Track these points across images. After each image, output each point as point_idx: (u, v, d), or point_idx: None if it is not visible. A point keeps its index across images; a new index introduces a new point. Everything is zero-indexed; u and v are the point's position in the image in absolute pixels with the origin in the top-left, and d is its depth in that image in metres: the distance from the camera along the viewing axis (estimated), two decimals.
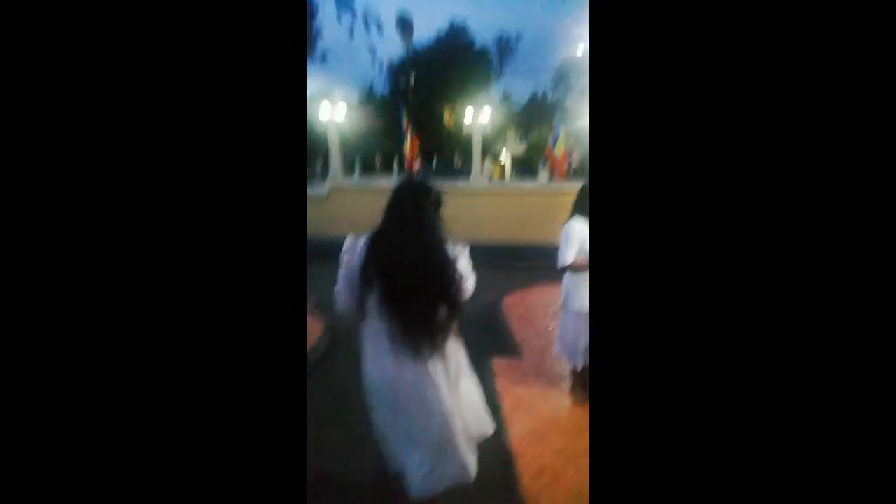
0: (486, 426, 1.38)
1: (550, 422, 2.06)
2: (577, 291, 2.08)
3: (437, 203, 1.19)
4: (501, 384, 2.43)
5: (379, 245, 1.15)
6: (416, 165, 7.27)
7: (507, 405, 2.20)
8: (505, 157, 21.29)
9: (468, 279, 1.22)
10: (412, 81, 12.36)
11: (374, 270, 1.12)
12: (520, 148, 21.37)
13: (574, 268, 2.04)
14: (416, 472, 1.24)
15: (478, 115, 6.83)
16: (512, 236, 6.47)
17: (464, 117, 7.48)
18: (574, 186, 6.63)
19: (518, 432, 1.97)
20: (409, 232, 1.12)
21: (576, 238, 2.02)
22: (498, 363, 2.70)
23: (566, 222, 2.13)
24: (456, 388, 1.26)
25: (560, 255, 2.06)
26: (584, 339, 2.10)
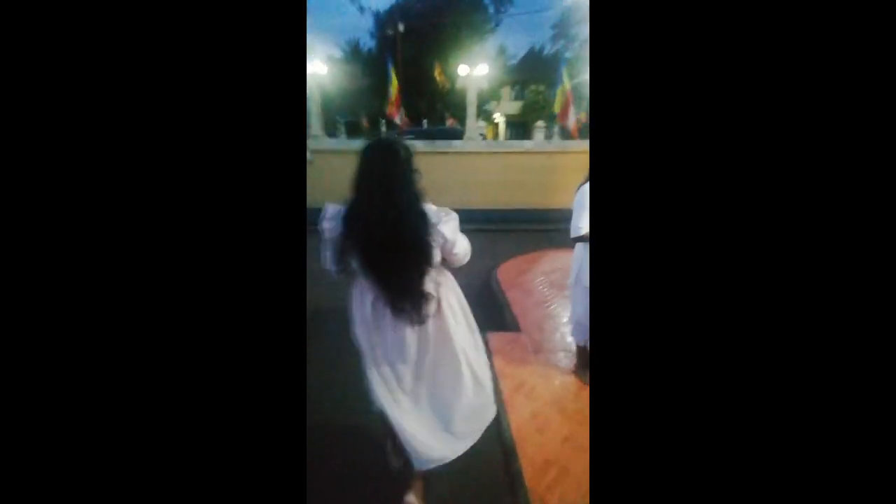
0: (488, 412, 1.35)
1: (555, 405, 1.91)
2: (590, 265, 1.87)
3: (408, 163, 1.09)
4: (499, 363, 2.26)
5: (353, 213, 1.09)
6: (403, 123, 6.82)
7: (506, 387, 2.05)
8: (499, 117, 20.52)
9: (457, 244, 1.16)
10: (400, 33, 11.48)
11: (351, 241, 1.09)
12: (515, 107, 20.55)
13: (587, 238, 1.82)
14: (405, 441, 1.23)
15: (473, 70, 6.35)
16: (509, 200, 6.20)
17: (456, 73, 6.96)
18: (576, 146, 6.31)
19: (520, 418, 1.81)
20: (381, 196, 1.05)
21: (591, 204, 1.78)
22: (494, 338, 2.53)
23: (580, 186, 1.87)
24: (448, 357, 1.24)
25: (574, 222, 1.82)
26: None
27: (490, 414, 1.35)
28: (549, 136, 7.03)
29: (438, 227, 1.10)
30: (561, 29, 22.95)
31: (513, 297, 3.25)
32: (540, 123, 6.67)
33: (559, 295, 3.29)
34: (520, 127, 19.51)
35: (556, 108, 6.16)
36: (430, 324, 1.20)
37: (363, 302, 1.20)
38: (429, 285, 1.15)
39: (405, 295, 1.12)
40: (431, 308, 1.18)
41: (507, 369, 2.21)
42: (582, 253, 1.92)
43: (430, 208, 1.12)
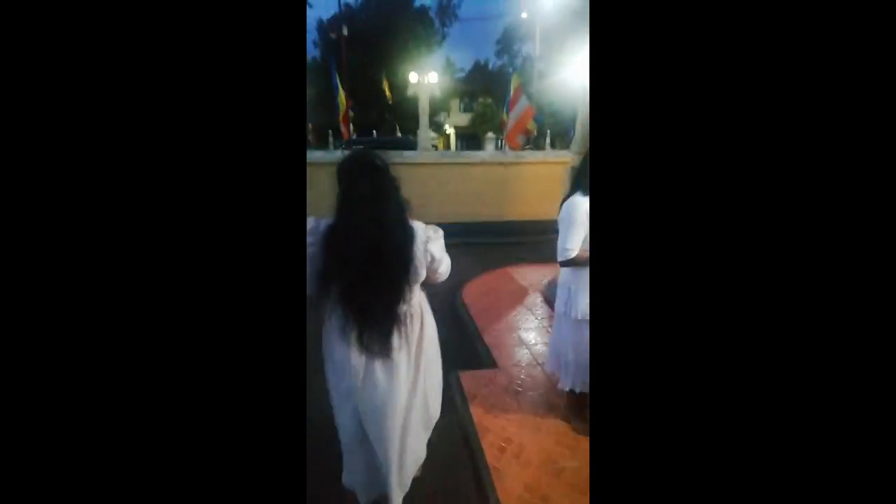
0: (435, 411, 1.32)
1: (549, 468, 1.58)
2: (582, 292, 1.56)
3: (389, 174, 1.05)
4: (478, 413, 1.90)
5: (335, 228, 1.02)
6: (351, 134, 6.40)
7: (490, 447, 1.68)
8: (449, 129, 20.56)
9: (443, 263, 1.13)
10: (345, 38, 10.94)
11: (333, 258, 1.01)
12: (464, 118, 20.69)
13: (578, 261, 1.52)
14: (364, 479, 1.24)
15: (423, 78, 6.08)
16: (467, 212, 5.93)
17: (406, 84, 6.65)
18: (533, 157, 6.22)
19: (512, 495, 1.46)
20: (366, 211, 1.00)
21: (580, 221, 1.48)
22: (467, 379, 2.17)
23: (566, 199, 1.58)
24: (415, 388, 1.19)
25: (560, 242, 1.52)
26: (587, 355, 1.60)
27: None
28: (499, 147, 6.90)
29: (427, 246, 1.06)
30: (504, 45, 23.62)
31: (482, 323, 2.92)
32: (490, 135, 6.53)
33: (532, 319, 3.01)
34: (470, 138, 19.66)
35: (505, 120, 6.08)
36: (415, 349, 1.15)
37: (339, 337, 1.09)
38: (413, 304, 1.11)
39: (388, 316, 1.06)
40: (416, 330, 1.14)
41: (489, 421, 1.85)
42: (570, 277, 1.61)
43: (418, 225, 1.07)
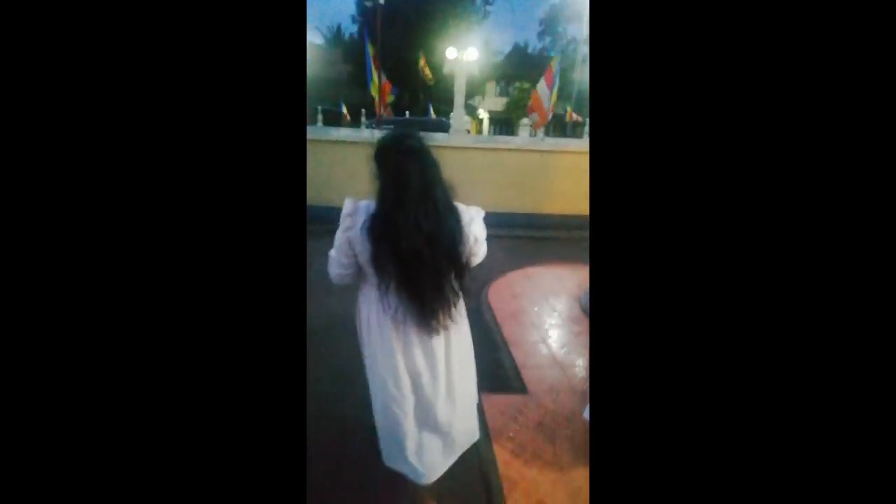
0: (473, 432, 1.31)
1: None
2: None
3: (433, 158, 1.03)
4: (504, 457, 1.54)
5: (382, 216, 0.99)
6: (382, 114, 6.03)
7: (511, 492, 1.33)
8: (483, 113, 19.88)
9: (483, 244, 1.14)
10: (382, 14, 10.59)
11: (379, 246, 0.99)
12: (499, 103, 19.92)
13: None
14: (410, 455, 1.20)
15: (462, 55, 5.61)
16: (498, 202, 5.51)
17: (442, 63, 6.20)
18: (575, 146, 5.69)
19: None
20: (416, 200, 0.98)
21: None
22: (491, 404, 1.81)
23: None
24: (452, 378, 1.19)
25: None
26: None
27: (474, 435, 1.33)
28: (533, 134, 6.38)
29: (471, 227, 1.08)
30: (548, 25, 22.51)
31: (510, 333, 2.54)
32: (525, 121, 6.02)
33: (567, 334, 2.60)
34: (504, 124, 18.93)
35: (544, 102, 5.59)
36: (454, 330, 1.15)
37: (375, 311, 1.10)
38: (456, 287, 1.10)
39: (436, 301, 1.05)
40: (459, 312, 1.14)
41: (516, 471, 1.48)
42: None
43: (462, 207, 1.08)
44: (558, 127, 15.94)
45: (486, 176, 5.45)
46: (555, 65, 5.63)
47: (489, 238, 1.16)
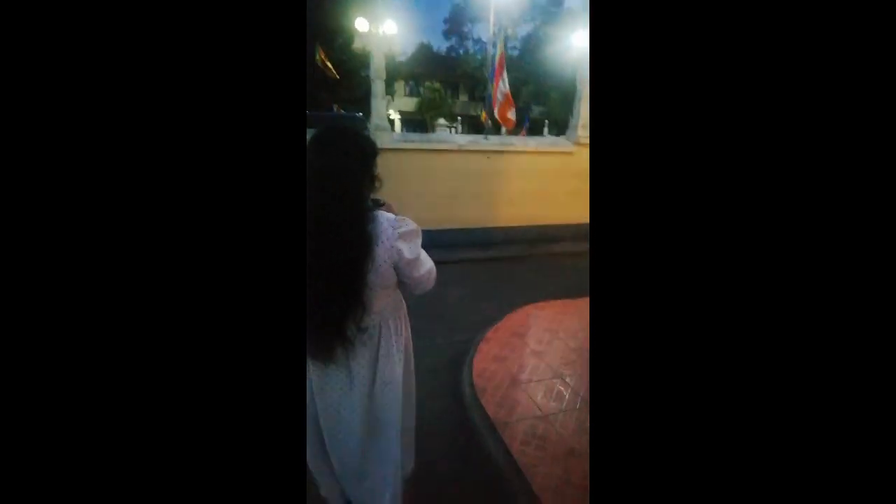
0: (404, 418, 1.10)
1: None
2: None
3: (362, 154, 0.86)
4: None
5: None
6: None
7: None
8: (394, 114, 18.67)
9: (419, 265, 0.91)
10: None
11: None
12: (410, 103, 18.87)
13: None
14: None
15: (377, 27, 4.32)
16: (439, 216, 4.35)
17: (353, 35, 4.86)
18: (524, 144, 4.71)
19: None
20: (326, 194, 0.80)
21: None
22: None
23: None
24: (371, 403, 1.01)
25: None
26: None
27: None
28: (456, 133, 5.42)
29: (392, 241, 0.85)
30: (452, 25, 22.11)
31: (513, 440, 1.39)
32: (442, 121, 5.03)
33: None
34: (417, 125, 17.96)
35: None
36: (368, 359, 0.96)
37: None
38: (381, 310, 0.94)
39: (332, 325, 0.85)
40: (371, 338, 0.95)
41: None
42: None
43: (384, 214, 0.87)
44: (472, 128, 15.44)
45: (419, 185, 4.26)
46: (500, 53, 4.72)
47: (438, 264, 0.97)
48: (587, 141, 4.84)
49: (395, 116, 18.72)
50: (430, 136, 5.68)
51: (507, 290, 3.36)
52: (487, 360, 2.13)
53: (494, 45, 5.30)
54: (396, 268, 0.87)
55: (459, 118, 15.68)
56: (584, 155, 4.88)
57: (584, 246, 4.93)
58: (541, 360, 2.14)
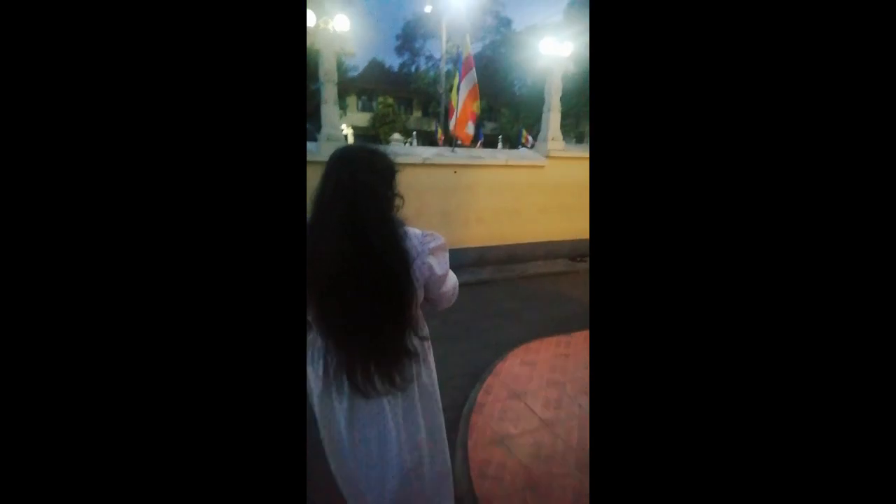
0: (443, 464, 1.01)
1: None
2: None
3: (385, 175, 0.83)
4: None
5: (313, 239, 0.76)
6: None
7: None
8: (346, 129, 17.99)
9: (448, 280, 0.89)
10: None
11: (309, 272, 0.73)
12: (363, 118, 18.30)
13: None
14: None
15: (327, 23, 3.76)
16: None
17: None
18: (494, 158, 4.19)
19: None
20: (343, 212, 0.76)
21: None
22: None
23: None
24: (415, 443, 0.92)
25: None
26: None
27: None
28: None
29: (424, 258, 0.83)
30: (404, 41, 21.98)
31: None
32: (397, 136, 4.62)
33: None
34: (370, 140, 17.41)
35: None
36: (416, 391, 0.91)
37: (319, 362, 0.88)
38: (411, 337, 0.87)
39: (379, 351, 0.82)
40: (413, 371, 0.89)
41: None
42: None
43: (412, 230, 0.85)
44: (427, 144, 15.14)
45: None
46: (466, 53, 4.32)
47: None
48: (558, 154, 4.53)
49: (348, 132, 18.06)
50: (390, 148, 5.19)
51: (486, 324, 2.84)
52: (485, 442, 1.57)
53: (448, 62, 4.95)
54: (426, 284, 0.85)
55: (415, 133, 15.35)
56: (556, 168, 4.55)
57: (559, 265, 4.54)
58: (555, 434, 1.61)
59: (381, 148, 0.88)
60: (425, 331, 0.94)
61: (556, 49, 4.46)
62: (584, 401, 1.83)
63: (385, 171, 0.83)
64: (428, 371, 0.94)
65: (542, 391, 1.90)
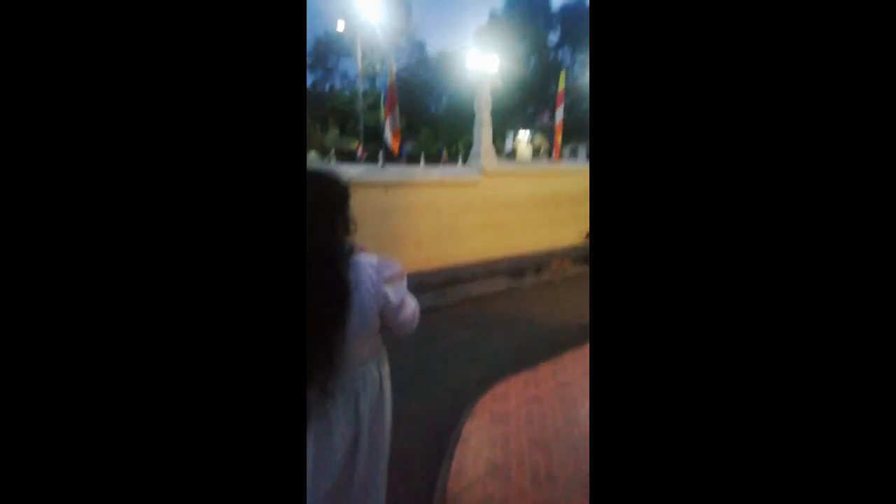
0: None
1: None
2: None
3: (338, 197, 0.83)
4: None
5: None
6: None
7: None
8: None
9: (404, 308, 0.88)
10: None
11: None
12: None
13: None
14: None
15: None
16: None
17: None
18: (427, 176, 4.00)
19: None
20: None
21: None
22: None
23: None
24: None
25: None
26: None
27: None
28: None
29: (379, 287, 0.83)
30: (317, 59, 21.17)
31: None
32: (313, 154, 4.24)
33: None
34: (345, 154, 16.41)
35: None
36: (367, 413, 0.91)
37: None
38: (365, 358, 0.90)
39: (318, 372, 0.81)
40: (370, 390, 0.92)
41: None
42: None
43: (366, 258, 0.85)
44: (347, 162, 14.61)
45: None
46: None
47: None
48: (492, 169, 4.37)
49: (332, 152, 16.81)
50: (319, 164, 4.63)
51: (439, 365, 2.44)
52: None
53: (366, 80, 4.68)
54: (382, 313, 0.85)
55: (333, 151, 14.64)
56: (491, 185, 4.36)
57: (501, 284, 4.31)
58: None
59: (333, 169, 0.85)
60: (384, 359, 0.95)
61: (483, 65, 4.38)
62: (574, 457, 1.51)
63: (333, 195, 0.81)
64: (383, 405, 0.94)
65: (526, 458, 1.54)
